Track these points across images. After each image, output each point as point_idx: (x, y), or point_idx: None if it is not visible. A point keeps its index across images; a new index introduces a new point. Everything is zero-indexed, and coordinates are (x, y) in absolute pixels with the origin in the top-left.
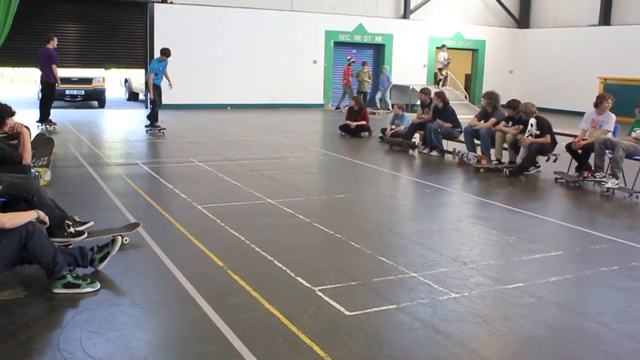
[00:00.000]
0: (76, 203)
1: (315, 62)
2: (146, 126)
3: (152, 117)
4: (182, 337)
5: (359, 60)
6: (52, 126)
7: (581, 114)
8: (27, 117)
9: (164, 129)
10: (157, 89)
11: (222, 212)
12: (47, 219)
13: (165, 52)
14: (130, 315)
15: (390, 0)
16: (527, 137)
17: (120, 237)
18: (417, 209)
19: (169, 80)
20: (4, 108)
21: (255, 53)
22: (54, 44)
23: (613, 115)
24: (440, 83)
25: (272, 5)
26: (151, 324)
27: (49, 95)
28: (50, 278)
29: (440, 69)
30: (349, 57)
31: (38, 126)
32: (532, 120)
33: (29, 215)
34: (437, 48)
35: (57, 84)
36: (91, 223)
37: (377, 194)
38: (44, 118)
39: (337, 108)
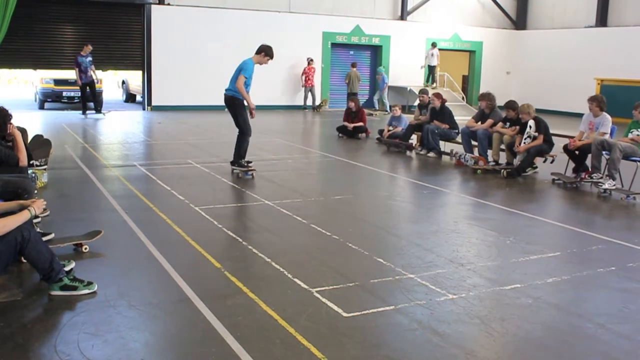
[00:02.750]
0: (73, 205)
1: (313, 62)
2: (232, 163)
3: (241, 151)
4: (179, 339)
5: (350, 61)
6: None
7: (578, 115)
8: (23, 119)
9: (254, 170)
10: (244, 107)
11: (219, 214)
12: (41, 211)
13: (270, 53)
14: (127, 317)
15: (388, 2)
16: (525, 138)
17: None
18: (415, 210)
19: (249, 101)
20: (4, 113)
21: (253, 54)
22: (86, 50)
23: (609, 117)
24: (431, 80)
25: (269, 7)
26: (149, 325)
27: (81, 93)
28: (46, 282)
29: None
30: (308, 57)
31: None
32: (531, 122)
33: (23, 217)
34: (433, 45)
35: (78, 84)
36: (52, 235)
37: (374, 196)
38: (96, 109)
39: (314, 109)
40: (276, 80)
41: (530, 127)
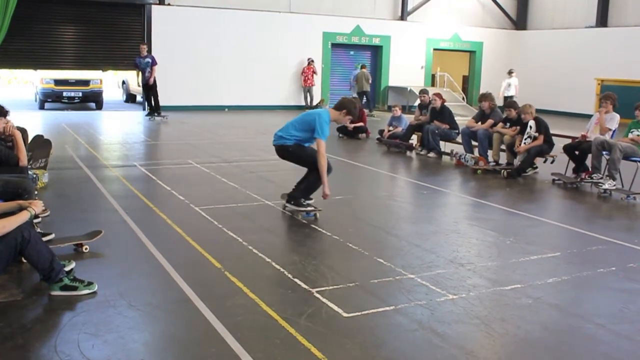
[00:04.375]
0: (74, 205)
1: (313, 62)
2: (288, 199)
3: (307, 189)
4: (179, 339)
5: (351, 62)
6: (162, 117)
7: (578, 115)
8: (23, 119)
9: (319, 210)
10: (301, 146)
11: (219, 214)
12: (41, 211)
13: (353, 112)
14: (127, 317)
15: (388, 2)
16: (525, 138)
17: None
18: (415, 211)
19: (325, 186)
20: None
21: (253, 55)
22: (142, 51)
23: (618, 116)
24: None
25: (269, 7)
26: (148, 326)
27: (144, 93)
28: (47, 282)
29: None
30: (308, 57)
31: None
32: (532, 122)
33: (22, 217)
34: (509, 72)
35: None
36: (52, 235)
37: (374, 196)
38: (155, 111)
39: (306, 107)
40: (276, 80)
41: (530, 127)
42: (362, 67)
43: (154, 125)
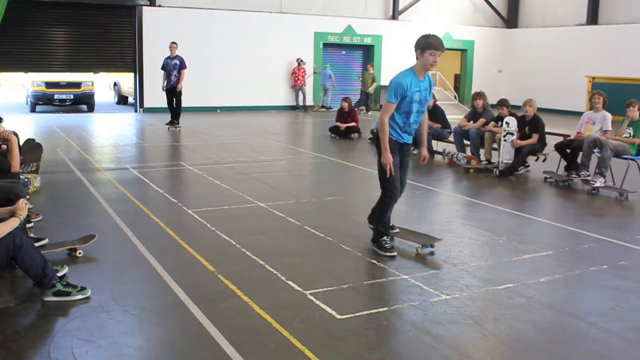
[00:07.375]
0: (66, 209)
1: (305, 63)
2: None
3: (382, 220)
4: (173, 343)
5: (343, 61)
6: (176, 127)
7: (570, 113)
8: (15, 124)
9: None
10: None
11: (212, 216)
12: (27, 211)
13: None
14: (121, 322)
15: (379, 2)
16: (505, 135)
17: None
18: (407, 211)
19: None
20: None
21: (245, 55)
22: (173, 51)
23: (609, 115)
24: None
25: (260, 7)
26: (142, 330)
27: (167, 98)
28: (39, 288)
29: None
30: (298, 58)
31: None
32: (508, 119)
33: (12, 224)
34: None
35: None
36: (46, 240)
37: (367, 196)
38: (172, 120)
39: (297, 108)
40: (268, 81)
41: (507, 123)
42: (369, 65)
43: (146, 127)
